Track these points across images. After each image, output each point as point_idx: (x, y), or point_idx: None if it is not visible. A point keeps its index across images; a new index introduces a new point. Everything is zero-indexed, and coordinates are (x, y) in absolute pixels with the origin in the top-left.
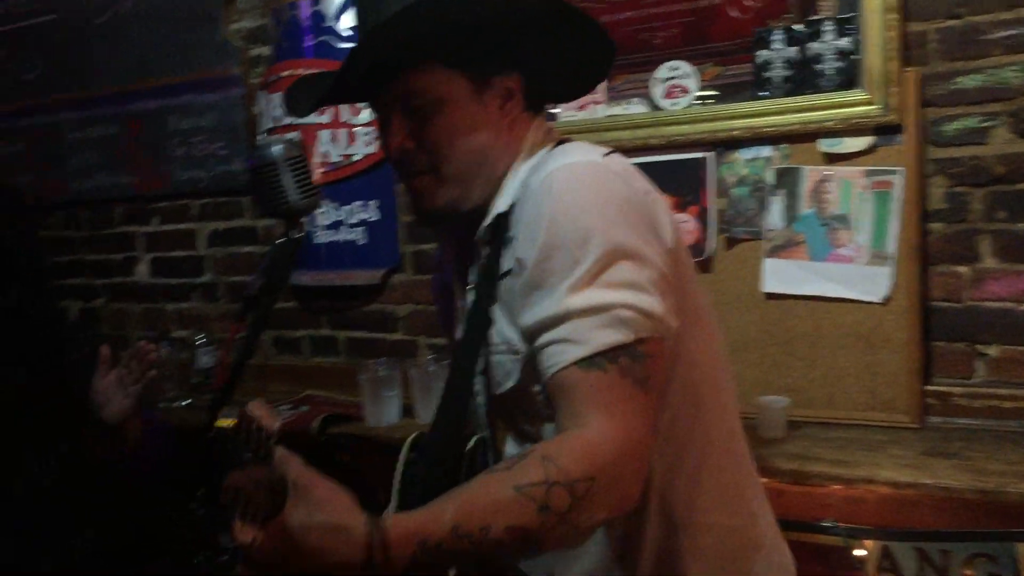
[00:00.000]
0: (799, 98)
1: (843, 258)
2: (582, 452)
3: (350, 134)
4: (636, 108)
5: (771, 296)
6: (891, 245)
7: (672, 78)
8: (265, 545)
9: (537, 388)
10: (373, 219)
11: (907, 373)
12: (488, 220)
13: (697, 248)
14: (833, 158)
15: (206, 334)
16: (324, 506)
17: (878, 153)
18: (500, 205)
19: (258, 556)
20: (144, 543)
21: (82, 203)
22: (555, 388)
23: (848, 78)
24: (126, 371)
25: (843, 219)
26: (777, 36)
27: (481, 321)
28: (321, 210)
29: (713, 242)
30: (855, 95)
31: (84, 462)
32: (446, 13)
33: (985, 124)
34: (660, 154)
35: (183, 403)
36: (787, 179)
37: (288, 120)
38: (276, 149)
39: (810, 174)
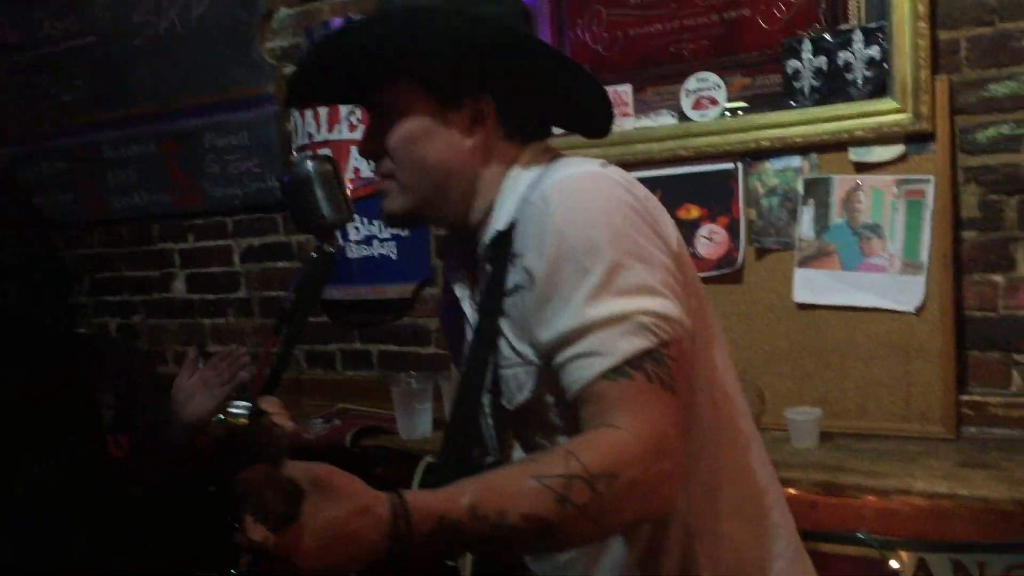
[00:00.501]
0: (829, 107)
1: (875, 267)
2: (607, 449)
3: None
4: (664, 120)
5: (803, 306)
6: (924, 254)
7: (701, 89)
8: (299, 547)
9: (551, 400)
10: (404, 234)
11: (942, 383)
12: (487, 238)
13: (728, 259)
14: (864, 167)
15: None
16: (346, 493)
17: (909, 162)
18: (498, 223)
19: (294, 559)
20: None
21: (121, 221)
22: (584, 401)
23: (878, 87)
24: (213, 373)
25: (875, 228)
26: (806, 46)
27: (488, 338)
28: (353, 225)
29: (743, 253)
30: (885, 104)
31: (92, 463)
32: (407, 32)
33: (1018, 131)
34: (689, 166)
35: (219, 417)
36: (817, 189)
37: (320, 138)
38: (309, 164)
39: (841, 183)
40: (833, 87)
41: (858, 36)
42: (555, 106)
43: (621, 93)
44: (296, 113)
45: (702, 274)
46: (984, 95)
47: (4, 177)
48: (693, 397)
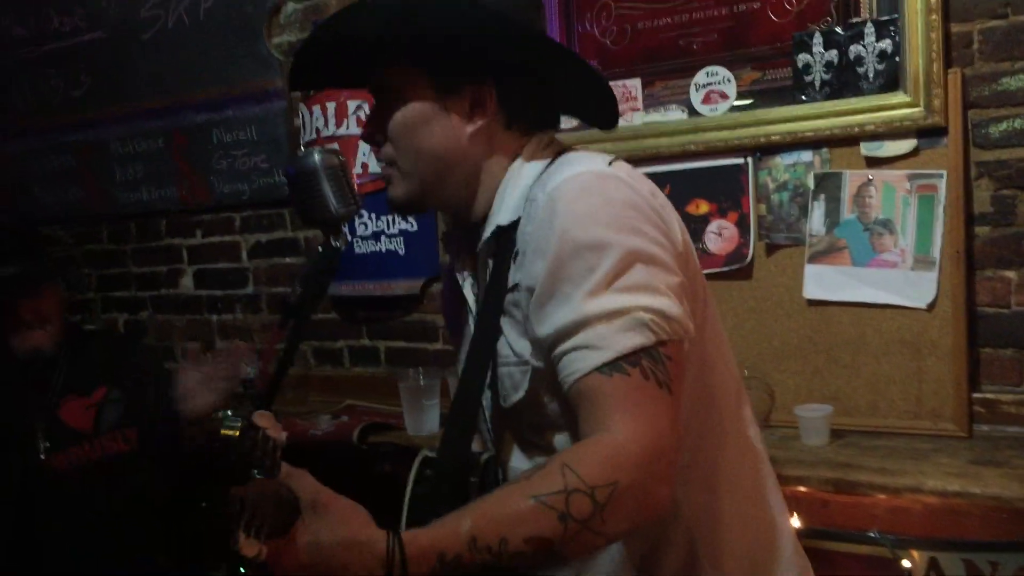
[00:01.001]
0: (840, 101)
1: (886, 263)
2: (604, 457)
3: None
4: (674, 114)
5: (813, 303)
6: (936, 250)
7: (710, 83)
8: (283, 562)
9: (547, 399)
10: (412, 229)
11: (954, 380)
12: (487, 233)
13: (737, 254)
14: (875, 162)
15: (249, 345)
16: (343, 522)
17: (921, 156)
18: (501, 218)
19: (275, 572)
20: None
21: (129, 216)
22: (576, 395)
23: (890, 81)
24: (214, 368)
25: (886, 224)
26: (817, 39)
27: (488, 334)
28: (360, 220)
29: (753, 248)
30: (897, 97)
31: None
32: (409, 14)
33: None
34: (699, 160)
35: (227, 412)
36: (828, 184)
37: (328, 132)
38: (316, 157)
39: (852, 178)
40: (844, 81)
41: (870, 29)
42: (558, 96)
43: (630, 87)
44: (304, 108)
45: (712, 270)
46: (997, 88)
47: None
48: (692, 401)
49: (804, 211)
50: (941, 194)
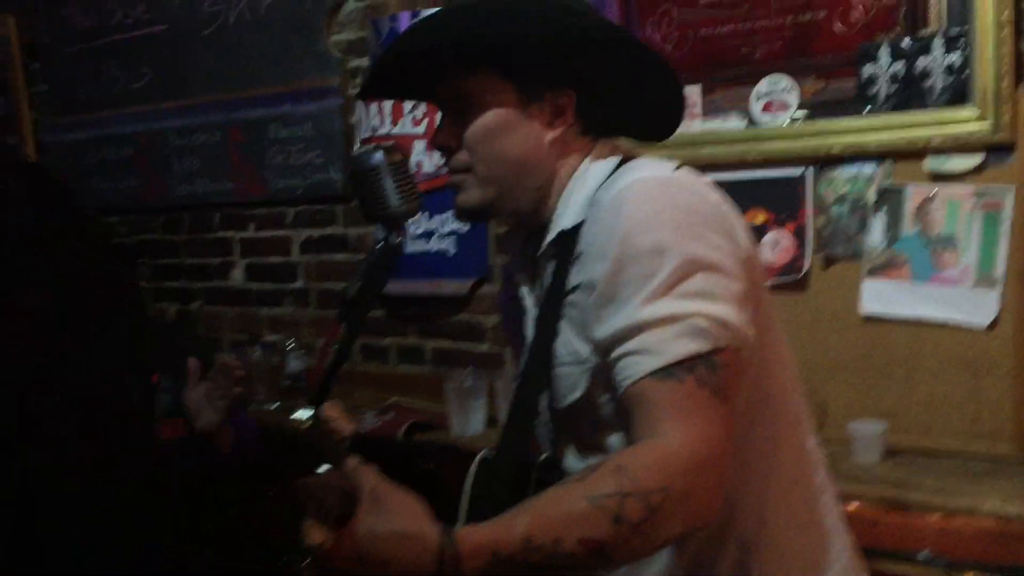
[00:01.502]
0: (905, 114)
1: (947, 280)
2: (657, 462)
3: None
4: (733, 123)
5: (869, 318)
6: (999, 268)
7: (772, 92)
8: (339, 550)
9: (604, 399)
10: (463, 230)
11: (1013, 402)
12: (551, 236)
13: (793, 266)
14: (939, 177)
15: (297, 339)
16: (399, 514)
17: (987, 172)
18: (564, 222)
19: (333, 561)
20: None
21: (184, 208)
22: (630, 400)
23: (957, 95)
24: (213, 385)
25: (949, 240)
26: (884, 51)
27: (547, 336)
28: (411, 220)
29: (809, 261)
30: (964, 112)
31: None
32: (496, 20)
33: None
34: (757, 170)
35: (273, 406)
36: (890, 197)
37: (384, 131)
38: (378, 154)
39: (914, 193)
40: (910, 94)
41: (938, 42)
42: (631, 103)
43: (689, 94)
44: (361, 106)
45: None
46: None
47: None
48: (748, 405)
49: (863, 224)
50: (1007, 211)
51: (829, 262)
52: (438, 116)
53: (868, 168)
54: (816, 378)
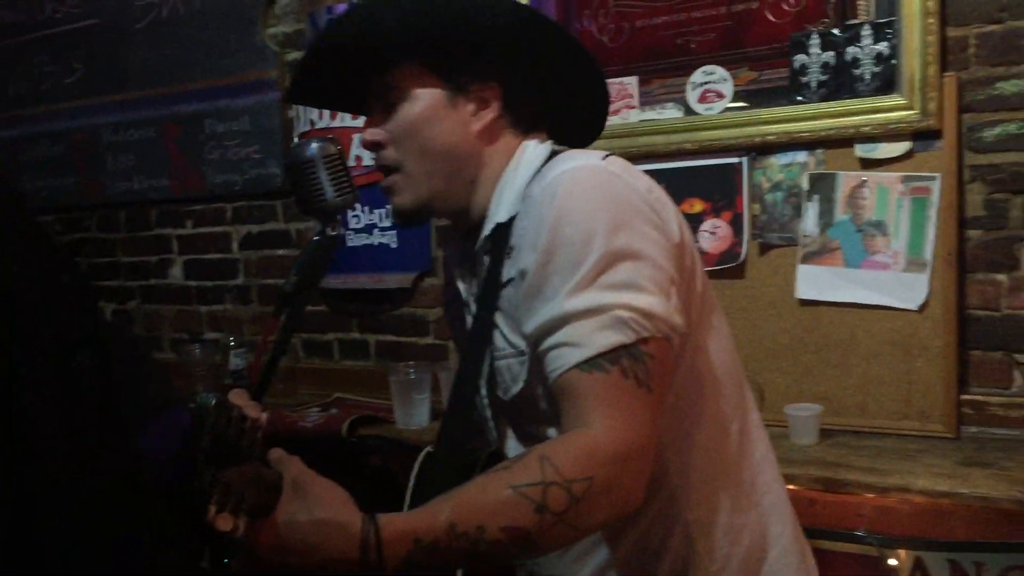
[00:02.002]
0: (836, 103)
1: (879, 265)
2: (581, 451)
3: None
4: (670, 113)
5: (805, 303)
6: (928, 252)
7: (707, 82)
8: (262, 540)
9: (542, 391)
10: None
11: (943, 382)
12: (486, 231)
13: (731, 254)
14: (870, 163)
15: (238, 336)
16: (321, 502)
17: (916, 159)
18: (498, 215)
19: (256, 551)
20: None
21: (119, 205)
22: (558, 391)
23: (886, 83)
24: None
25: (879, 225)
26: (814, 40)
27: (484, 329)
28: (353, 213)
29: (747, 248)
30: (893, 100)
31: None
32: (420, 12)
33: None
34: (694, 159)
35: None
36: (823, 185)
37: (322, 124)
38: (313, 147)
39: (846, 180)
40: (840, 82)
41: (867, 31)
42: (558, 97)
43: (627, 85)
44: None
45: (705, 268)
46: (992, 93)
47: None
48: (684, 390)
49: (798, 211)
50: (934, 197)
51: (765, 249)
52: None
53: (801, 156)
54: (754, 362)
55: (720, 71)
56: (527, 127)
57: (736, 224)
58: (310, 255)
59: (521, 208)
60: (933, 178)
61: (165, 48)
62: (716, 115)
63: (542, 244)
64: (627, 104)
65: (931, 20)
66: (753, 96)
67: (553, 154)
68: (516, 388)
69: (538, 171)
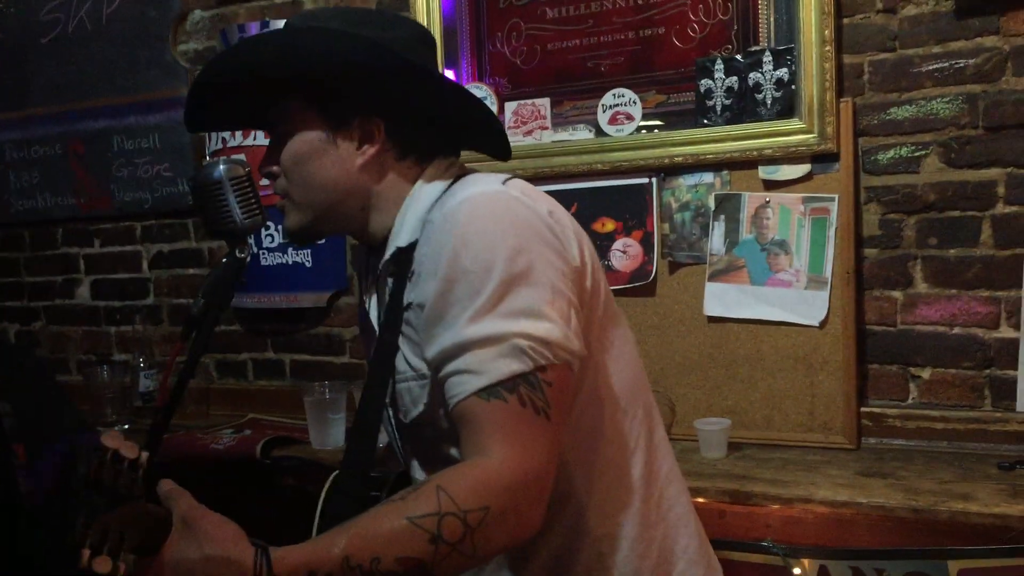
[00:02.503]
0: (739, 126)
1: (782, 283)
2: (476, 481)
3: None
4: (582, 134)
5: (713, 319)
6: (828, 270)
7: (617, 105)
8: None
9: (442, 413)
10: (320, 241)
11: (844, 395)
12: (387, 255)
13: (642, 272)
14: (772, 185)
15: (148, 357)
16: (211, 539)
17: (815, 181)
18: (399, 240)
19: None
20: None
21: (24, 224)
22: (458, 418)
23: (786, 107)
24: None
25: (782, 244)
26: (719, 66)
27: (387, 351)
28: (267, 232)
29: (657, 266)
30: (793, 124)
31: None
32: (297, 51)
33: (917, 153)
34: (605, 179)
35: (124, 427)
36: (728, 205)
37: (234, 143)
38: (221, 168)
39: (750, 200)
40: (744, 106)
41: (768, 58)
42: (450, 128)
43: (539, 106)
44: None
45: (617, 287)
46: (886, 118)
47: None
48: (586, 410)
49: (705, 231)
50: (833, 217)
51: (675, 267)
52: None
53: (708, 177)
54: (666, 378)
55: (629, 94)
56: (421, 155)
57: (647, 243)
58: (218, 277)
59: (422, 235)
60: (831, 199)
61: (71, 64)
62: (626, 136)
63: (442, 272)
64: (540, 125)
65: (827, 48)
66: (662, 118)
67: (457, 178)
68: (416, 411)
69: (440, 196)
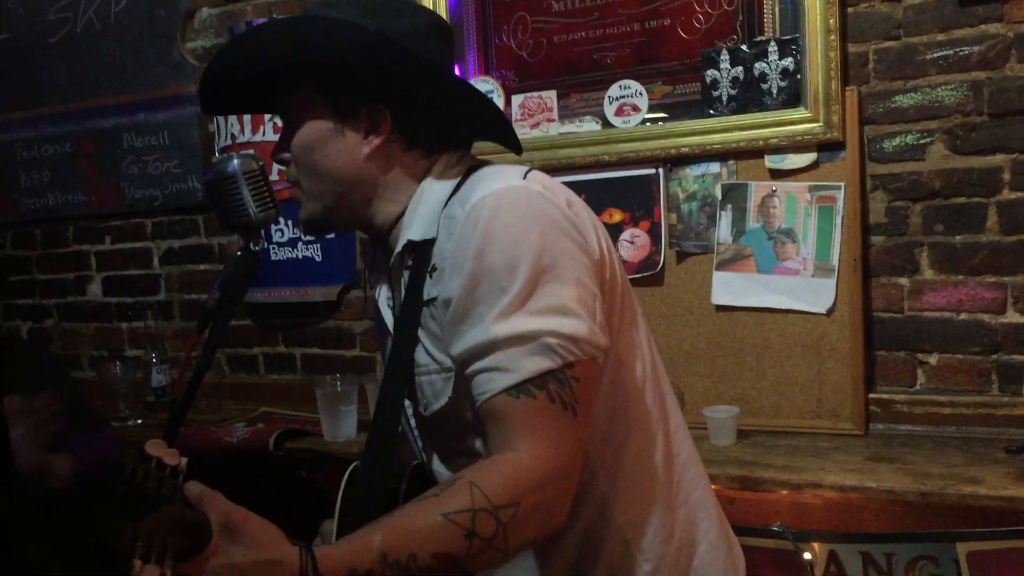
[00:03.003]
0: (745, 116)
1: (789, 271)
2: (508, 477)
3: None
4: (589, 126)
5: (720, 308)
6: (835, 258)
7: (623, 96)
8: None
9: (468, 405)
10: (329, 236)
11: (852, 382)
12: (398, 248)
13: (649, 262)
14: (779, 174)
15: (160, 352)
16: (255, 541)
17: (821, 169)
18: (411, 233)
19: None
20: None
21: (35, 222)
22: (486, 414)
23: (792, 97)
24: (34, 424)
25: (789, 233)
26: (724, 56)
27: (406, 344)
28: (277, 227)
29: (664, 256)
30: (798, 113)
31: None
32: (308, 39)
33: (922, 141)
34: (612, 171)
35: (137, 422)
36: (735, 194)
37: (244, 139)
38: (235, 162)
39: (756, 189)
40: (749, 96)
41: (773, 48)
42: (458, 121)
43: (545, 99)
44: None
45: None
46: (891, 106)
47: None
48: (608, 400)
49: (712, 220)
50: (839, 205)
51: (682, 257)
52: None
53: (714, 167)
54: (674, 367)
55: (635, 85)
56: (430, 147)
57: (654, 233)
58: (233, 270)
59: (443, 229)
60: (838, 187)
61: (80, 63)
62: (632, 128)
63: (468, 269)
64: (547, 117)
65: (832, 37)
66: (668, 109)
67: (471, 170)
68: (438, 404)
69: (456, 188)
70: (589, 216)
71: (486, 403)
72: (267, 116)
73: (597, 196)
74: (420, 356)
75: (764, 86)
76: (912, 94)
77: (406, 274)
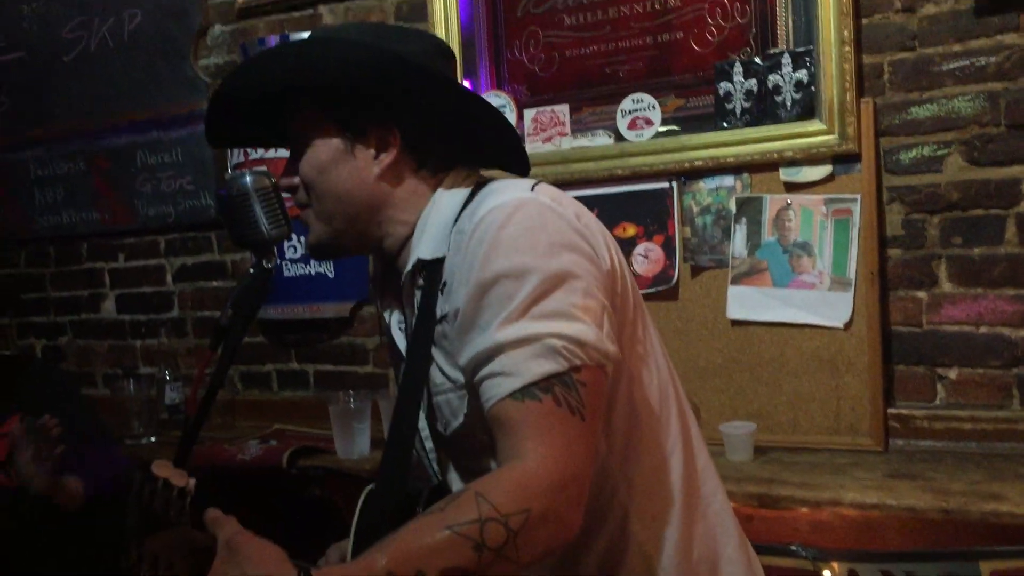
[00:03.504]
0: (759, 128)
1: (805, 284)
2: (515, 485)
3: None
4: (601, 140)
5: (736, 323)
6: (851, 271)
7: (636, 110)
8: None
9: (481, 424)
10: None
11: (870, 397)
12: (408, 266)
13: (664, 276)
14: (794, 187)
15: (174, 370)
16: (256, 562)
17: (837, 181)
18: (421, 251)
19: None
20: None
21: (48, 239)
22: (493, 421)
23: (806, 109)
24: (38, 448)
25: (804, 246)
26: (737, 68)
27: (420, 364)
28: (290, 244)
29: (679, 270)
30: (813, 125)
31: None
32: (313, 62)
33: (939, 152)
34: (625, 184)
35: (151, 440)
36: (749, 208)
37: (256, 156)
38: (248, 179)
39: (771, 203)
40: (763, 109)
41: (787, 60)
42: (467, 139)
43: (558, 112)
44: None
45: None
46: (907, 117)
47: None
48: (622, 416)
49: (727, 234)
50: (856, 218)
51: (697, 271)
52: None
53: (728, 180)
54: (689, 382)
55: (648, 99)
56: (439, 165)
57: (668, 247)
58: (246, 287)
59: (453, 244)
60: (854, 200)
61: (94, 80)
62: (645, 141)
63: (475, 279)
64: (559, 131)
65: (847, 48)
66: (681, 123)
67: (479, 186)
68: (456, 423)
69: (465, 205)
70: (599, 229)
71: (492, 409)
72: None
73: (610, 210)
74: (435, 376)
75: (778, 98)
76: (928, 105)
77: (418, 294)
